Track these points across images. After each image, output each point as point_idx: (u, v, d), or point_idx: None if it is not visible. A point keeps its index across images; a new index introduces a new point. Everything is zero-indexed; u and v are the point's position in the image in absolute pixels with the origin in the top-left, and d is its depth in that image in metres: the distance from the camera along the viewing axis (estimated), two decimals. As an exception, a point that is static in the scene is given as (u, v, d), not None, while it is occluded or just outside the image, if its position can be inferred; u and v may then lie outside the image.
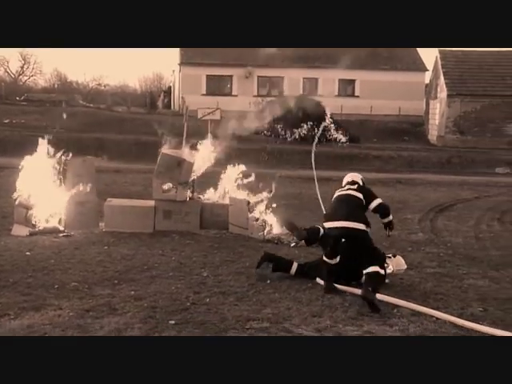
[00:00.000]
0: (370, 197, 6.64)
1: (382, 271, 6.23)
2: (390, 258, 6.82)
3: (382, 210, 6.65)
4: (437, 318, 5.43)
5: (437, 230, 10.47)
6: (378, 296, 5.97)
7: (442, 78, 31.81)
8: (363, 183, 6.97)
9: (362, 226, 6.30)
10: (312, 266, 6.78)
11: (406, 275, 7.03)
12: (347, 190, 6.71)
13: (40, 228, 8.65)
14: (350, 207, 6.45)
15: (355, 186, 6.73)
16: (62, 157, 8.97)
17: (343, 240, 6.40)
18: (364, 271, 6.11)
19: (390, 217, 6.71)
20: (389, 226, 6.72)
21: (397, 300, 5.91)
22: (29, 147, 9.29)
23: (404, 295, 6.18)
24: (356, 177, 7.01)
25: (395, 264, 6.82)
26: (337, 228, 6.36)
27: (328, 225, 6.50)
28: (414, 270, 7.32)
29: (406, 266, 7.00)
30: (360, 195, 6.58)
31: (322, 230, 6.73)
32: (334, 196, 6.76)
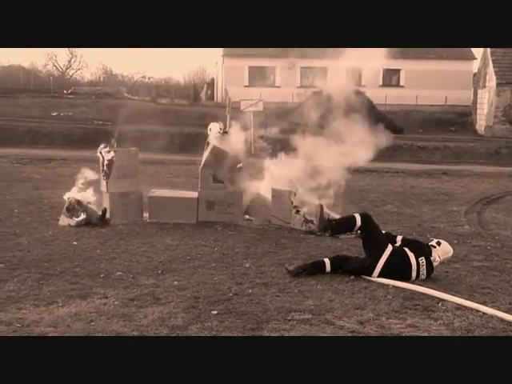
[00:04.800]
0: None
1: None
2: (434, 247, 6.54)
3: None
4: (483, 313, 5.31)
5: (484, 223, 10.21)
6: (422, 289, 5.87)
7: (491, 66, 30.93)
8: None
9: None
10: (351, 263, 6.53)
11: (451, 268, 6.88)
12: None
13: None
14: None
15: None
16: (107, 148, 9.14)
17: None
18: None
19: None
20: None
21: (442, 293, 5.80)
22: (75, 140, 9.47)
23: (449, 289, 6.06)
24: None
25: (441, 253, 6.55)
26: None
27: None
28: (459, 263, 7.16)
29: (452, 251, 6.73)
30: None
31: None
32: None
